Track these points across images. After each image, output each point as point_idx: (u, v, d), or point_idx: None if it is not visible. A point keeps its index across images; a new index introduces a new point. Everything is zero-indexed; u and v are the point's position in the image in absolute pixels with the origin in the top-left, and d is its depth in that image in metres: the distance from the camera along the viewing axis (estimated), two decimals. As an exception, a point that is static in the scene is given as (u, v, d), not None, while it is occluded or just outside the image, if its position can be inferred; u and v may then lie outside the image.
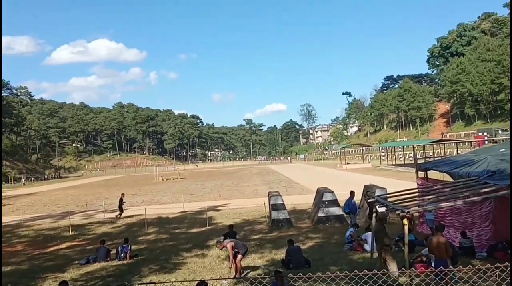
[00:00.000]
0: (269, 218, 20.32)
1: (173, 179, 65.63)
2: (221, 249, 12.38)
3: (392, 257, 10.43)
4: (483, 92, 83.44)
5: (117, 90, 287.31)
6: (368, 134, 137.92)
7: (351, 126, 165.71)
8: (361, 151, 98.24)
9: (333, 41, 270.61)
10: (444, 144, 66.30)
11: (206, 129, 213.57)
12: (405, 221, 9.43)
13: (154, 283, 6.26)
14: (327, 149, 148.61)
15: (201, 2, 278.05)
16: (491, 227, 12.45)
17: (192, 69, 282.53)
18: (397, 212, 9.70)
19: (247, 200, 30.76)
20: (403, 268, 8.56)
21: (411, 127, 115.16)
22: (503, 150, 13.91)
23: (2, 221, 27.20)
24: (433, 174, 17.27)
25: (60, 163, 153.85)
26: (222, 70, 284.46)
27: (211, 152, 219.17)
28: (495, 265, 6.44)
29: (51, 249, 18.40)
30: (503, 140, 52.74)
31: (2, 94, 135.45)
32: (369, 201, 12.35)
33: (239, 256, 11.36)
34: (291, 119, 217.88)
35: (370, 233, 12.89)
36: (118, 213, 26.60)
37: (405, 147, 77.18)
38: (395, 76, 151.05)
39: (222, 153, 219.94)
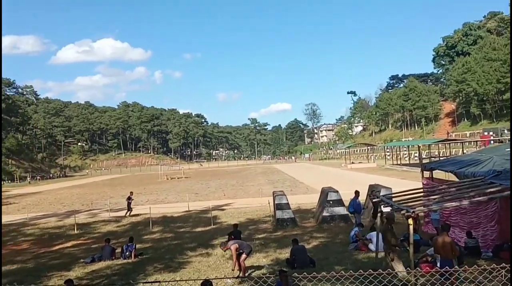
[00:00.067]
0: (274, 217, 20.31)
1: (178, 178, 65.77)
2: (225, 251, 12.40)
3: (399, 257, 10.41)
4: (489, 91, 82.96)
5: (122, 89, 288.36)
6: (373, 134, 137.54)
7: (356, 126, 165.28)
8: (366, 150, 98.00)
9: (338, 41, 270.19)
10: (449, 143, 66.04)
11: (211, 128, 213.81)
12: (410, 221, 9.40)
13: (159, 281, 6.28)
14: (331, 148, 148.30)
15: (205, 2, 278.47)
16: (497, 227, 12.39)
17: (197, 69, 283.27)
18: (402, 212, 9.68)
19: (252, 199, 30.76)
20: (408, 268, 8.54)
21: (416, 127, 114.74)
22: (509, 149, 13.84)
23: (8, 220, 27.47)
24: (438, 174, 17.21)
25: (65, 161, 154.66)
26: (227, 69, 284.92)
27: (216, 151, 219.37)
28: (501, 265, 6.40)
29: (57, 247, 18.47)
30: (509, 140, 52.48)
31: (8, 93, 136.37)
32: (374, 200, 12.33)
33: (244, 255, 11.34)
34: (295, 119, 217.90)
35: (375, 232, 12.87)
36: (126, 211, 26.66)
37: (410, 146, 76.91)
38: (400, 75, 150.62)
39: (226, 152, 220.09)
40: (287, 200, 20.03)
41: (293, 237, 14.27)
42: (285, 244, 14.86)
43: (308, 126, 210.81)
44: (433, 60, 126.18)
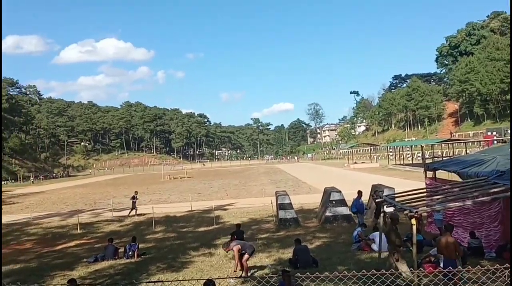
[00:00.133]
0: (277, 217, 20.31)
1: (181, 178, 65.82)
2: (227, 252, 12.40)
3: (403, 257, 10.39)
4: (492, 91, 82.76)
5: (125, 89, 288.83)
6: (376, 134, 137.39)
7: (358, 126, 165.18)
8: (369, 150, 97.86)
9: (341, 41, 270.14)
10: (452, 143, 65.85)
11: (214, 128, 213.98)
12: (413, 221, 9.38)
13: (162, 281, 6.28)
14: (334, 148, 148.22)
15: (208, 2, 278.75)
16: (500, 228, 12.35)
17: (200, 69, 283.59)
18: (405, 212, 9.65)
19: (255, 199, 30.78)
20: (411, 268, 8.52)
21: (419, 126, 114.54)
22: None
23: (11, 219, 27.56)
24: (441, 174, 17.17)
25: (68, 161, 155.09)
26: (230, 69, 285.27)
27: (219, 151, 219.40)
28: (504, 266, 6.39)
29: (60, 247, 18.52)
30: (512, 140, 52.26)
31: (11, 93, 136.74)
32: (377, 200, 12.31)
33: (246, 255, 11.34)
34: (298, 119, 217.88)
35: (377, 232, 12.84)
36: (130, 210, 26.67)
37: (413, 146, 76.81)
38: (403, 75, 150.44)
39: (229, 152, 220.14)
40: (290, 200, 20.02)
41: (296, 237, 14.25)
42: (288, 244, 14.86)
43: (311, 126, 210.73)
44: (436, 60, 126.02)
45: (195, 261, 14.04)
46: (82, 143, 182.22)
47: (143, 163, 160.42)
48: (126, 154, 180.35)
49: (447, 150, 66.20)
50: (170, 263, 13.93)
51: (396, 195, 12.94)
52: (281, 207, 19.74)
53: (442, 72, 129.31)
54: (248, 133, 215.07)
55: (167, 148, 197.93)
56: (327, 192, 20.48)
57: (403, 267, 9.91)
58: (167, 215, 25.64)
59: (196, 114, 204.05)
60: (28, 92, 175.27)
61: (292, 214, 19.67)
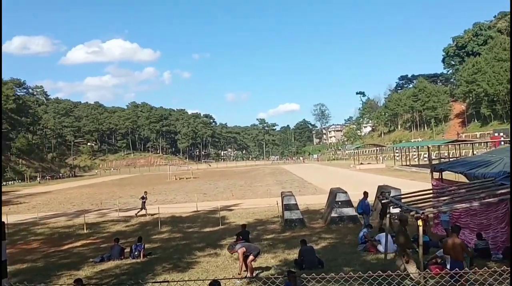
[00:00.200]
0: (282, 218, 20.28)
1: (186, 178, 65.92)
2: (232, 254, 12.39)
3: (412, 259, 10.35)
4: (500, 92, 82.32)
5: (131, 89, 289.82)
6: (382, 135, 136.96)
7: (364, 126, 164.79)
8: (375, 151, 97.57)
9: (347, 41, 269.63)
10: (459, 144, 65.56)
11: (219, 129, 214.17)
12: (419, 222, 9.34)
13: (168, 281, 6.30)
14: (340, 149, 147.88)
15: (214, 2, 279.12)
16: (507, 229, 12.25)
17: (206, 69, 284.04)
18: (411, 213, 9.62)
19: (260, 200, 30.74)
20: (417, 270, 8.48)
21: (425, 127, 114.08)
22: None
23: (18, 219, 27.73)
24: (448, 175, 17.09)
25: (75, 161, 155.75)
26: (236, 69, 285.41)
27: (224, 152, 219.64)
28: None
29: (66, 247, 18.59)
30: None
31: (19, 93, 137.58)
32: (383, 201, 12.26)
33: (251, 256, 11.32)
34: (304, 119, 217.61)
35: (383, 234, 12.80)
36: (140, 210, 26.77)
37: (419, 147, 76.45)
38: (409, 76, 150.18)
39: (235, 152, 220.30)
40: (296, 201, 19.99)
41: (302, 237, 14.23)
42: (294, 244, 14.84)
43: (317, 127, 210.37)
44: (443, 61, 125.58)
45: (200, 261, 14.05)
46: (89, 143, 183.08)
47: (149, 163, 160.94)
48: (132, 154, 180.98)
49: (454, 151, 65.89)
50: (176, 263, 13.95)
51: (402, 196, 12.90)
52: (286, 207, 19.72)
53: (448, 72, 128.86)
54: (254, 134, 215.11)
55: (173, 148, 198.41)
56: (333, 193, 20.44)
57: (412, 269, 9.86)
58: (173, 215, 25.68)
59: (202, 115, 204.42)
60: (35, 93, 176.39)
61: (297, 214, 19.63)
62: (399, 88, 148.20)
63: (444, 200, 10.78)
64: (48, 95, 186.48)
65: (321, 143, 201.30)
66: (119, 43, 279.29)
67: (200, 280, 7.93)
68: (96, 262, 14.75)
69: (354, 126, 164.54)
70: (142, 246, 15.31)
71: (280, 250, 14.83)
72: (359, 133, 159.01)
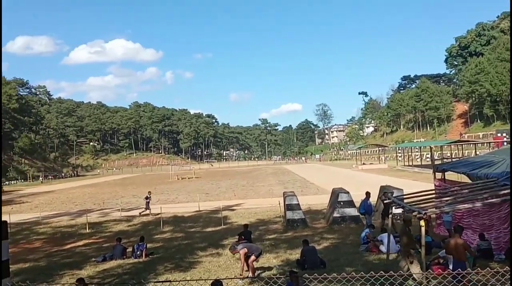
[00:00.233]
0: (284, 218, 20.28)
1: (189, 178, 65.95)
2: (234, 254, 12.39)
3: (416, 260, 10.33)
4: (502, 92, 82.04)
5: (134, 89, 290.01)
6: (385, 135, 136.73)
7: (367, 127, 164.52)
8: (377, 151, 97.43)
9: (349, 41, 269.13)
10: (462, 144, 65.39)
11: (222, 129, 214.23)
12: (422, 223, 9.33)
13: (170, 281, 6.30)
14: (342, 149, 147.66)
15: (217, 2, 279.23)
16: (510, 229, 12.24)
17: (208, 69, 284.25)
18: (414, 213, 9.61)
19: (262, 200, 30.75)
20: (421, 271, 8.46)
21: (428, 127, 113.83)
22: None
23: (21, 218, 27.81)
24: (450, 175, 17.05)
25: (77, 161, 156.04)
26: (238, 70, 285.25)
27: (226, 152, 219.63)
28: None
29: (68, 246, 18.64)
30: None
31: (21, 93, 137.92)
32: (385, 202, 12.25)
33: (252, 257, 11.33)
34: (306, 119, 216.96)
35: (386, 234, 12.79)
36: (144, 209, 26.82)
37: (422, 147, 76.31)
38: (412, 76, 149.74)
39: (237, 152, 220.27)
40: (298, 201, 19.99)
41: (304, 237, 14.24)
42: (296, 244, 14.84)
43: (319, 127, 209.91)
44: (446, 61, 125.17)
45: (202, 261, 14.07)
46: (91, 143, 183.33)
47: (151, 163, 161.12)
48: (134, 154, 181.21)
49: (457, 151, 65.77)
50: (178, 263, 13.97)
51: (405, 196, 12.88)
52: (288, 207, 19.71)
53: (451, 73, 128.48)
54: (256, 134, 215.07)
55: (175, 148, 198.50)
56: (335, 193, 20.42)
57: (416, 269, 9.84)
58: (175, 215, 25.72)
59: (204, 115, 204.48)
60: (38, 93, 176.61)
61: (300, 214, 19.63)
62: (402, 88, 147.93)
63: (447, 200, 10.78)
64: (51, 95, 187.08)
65: (323, 143, 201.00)
66: (121, 43, 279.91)
67: (202, 280, 7.94)
68: (98, 262, 14.79)
69: (357, 126, 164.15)
70: (144, 246, 15.34)
71: (282, 250, 14.83)
72: (361, 134, 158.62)
